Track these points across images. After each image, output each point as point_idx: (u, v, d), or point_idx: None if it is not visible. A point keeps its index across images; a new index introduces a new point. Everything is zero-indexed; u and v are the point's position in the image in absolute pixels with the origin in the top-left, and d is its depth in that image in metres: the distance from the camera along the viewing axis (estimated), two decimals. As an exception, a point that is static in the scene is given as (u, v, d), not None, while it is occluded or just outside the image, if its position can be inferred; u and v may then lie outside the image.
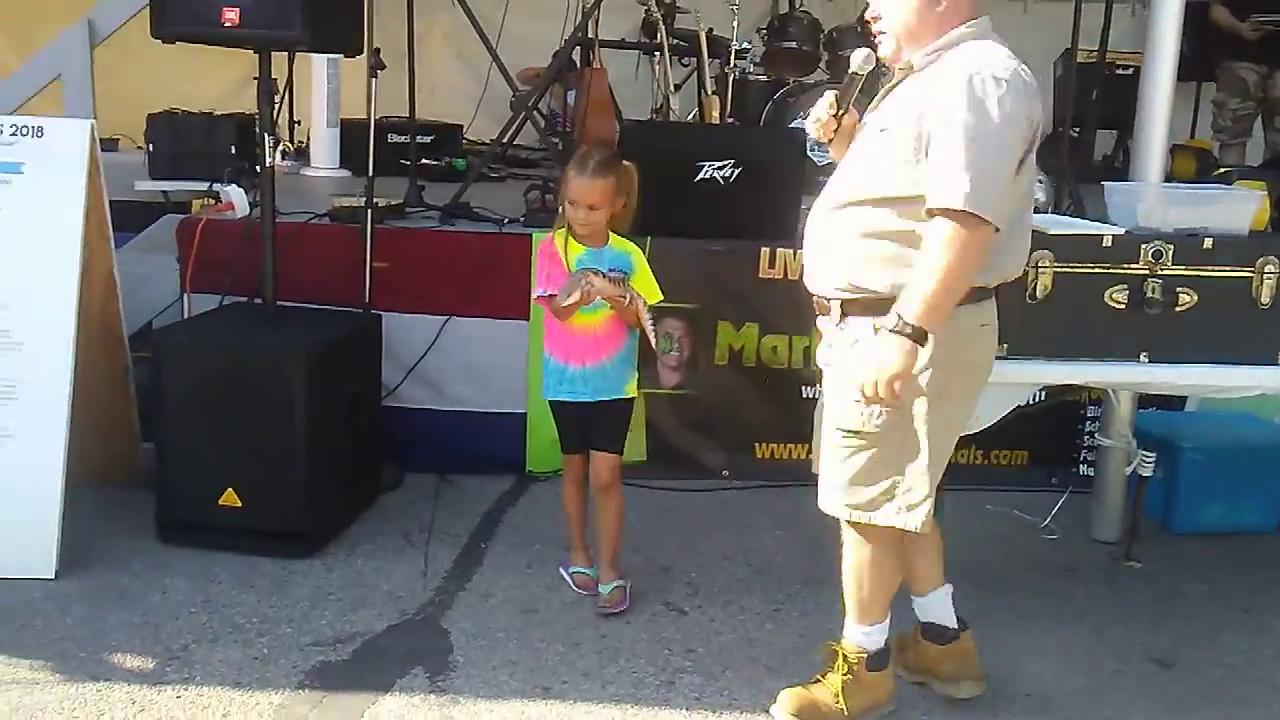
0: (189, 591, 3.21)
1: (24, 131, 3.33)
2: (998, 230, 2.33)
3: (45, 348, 3.25)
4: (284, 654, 2.91)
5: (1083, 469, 4.34)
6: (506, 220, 4.33)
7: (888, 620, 2.73)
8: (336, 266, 4.10)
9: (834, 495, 2.60)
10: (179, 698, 2.70)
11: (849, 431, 2.52)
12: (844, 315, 2.53)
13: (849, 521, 2.62)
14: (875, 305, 2.45)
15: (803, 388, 4.31)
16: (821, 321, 2.65)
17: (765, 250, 4.20)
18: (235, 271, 3.98)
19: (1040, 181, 4.71)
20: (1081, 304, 3.03)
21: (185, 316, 4.02)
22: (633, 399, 3.26)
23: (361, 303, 4.03)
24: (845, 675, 2.69)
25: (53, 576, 3.19)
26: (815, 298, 2.64)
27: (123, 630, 2.98)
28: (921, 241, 2.36)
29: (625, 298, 3.07)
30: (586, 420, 3.21)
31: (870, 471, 2.54)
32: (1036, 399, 4.24)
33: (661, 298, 3.21)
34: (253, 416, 3.43)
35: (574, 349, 3.15)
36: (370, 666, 2.90)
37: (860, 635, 2.70)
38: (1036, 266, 2.99)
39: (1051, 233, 3.05)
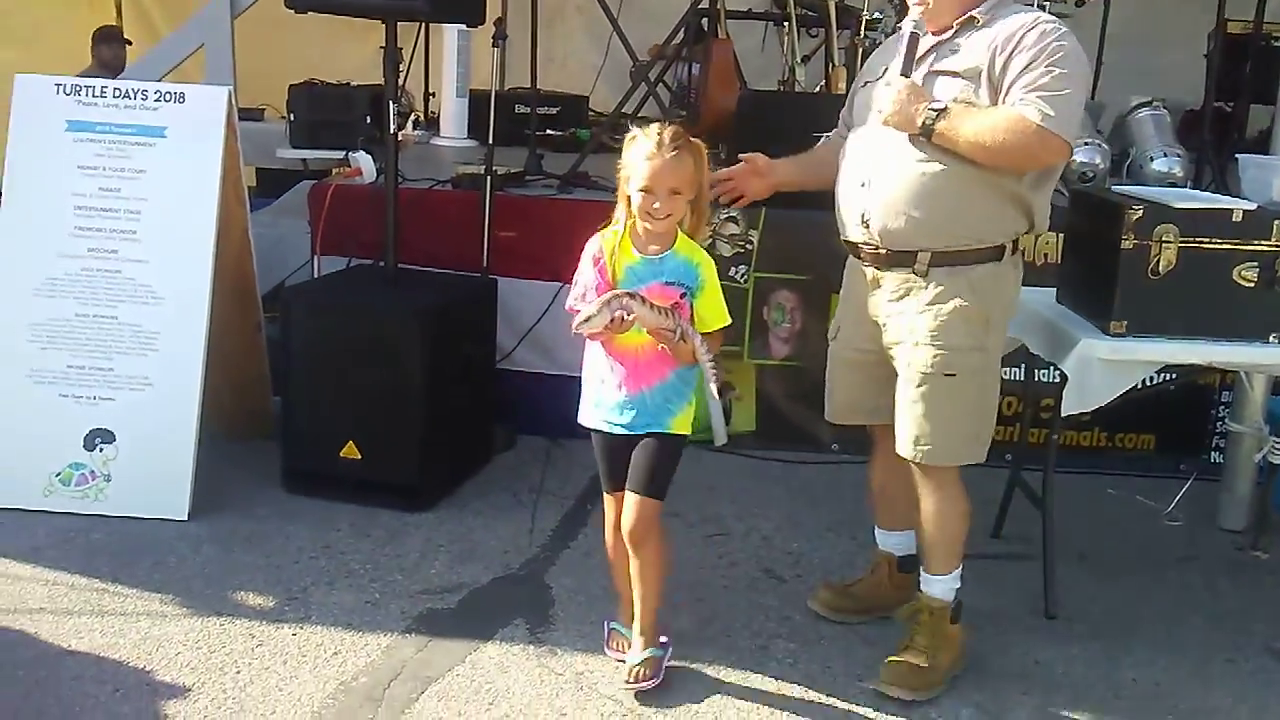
0: (309, 538, 3.37)
1: (167, 97, 3.53)
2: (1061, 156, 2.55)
3: (184, 303, 3.45)
4: (394, 600, 3.04)
5: (1213, 455, 4.17)
6: (623, 188, 4.37)
7: None
8: (456, 232, 4.22)
9: (938, 443, 2.66)
10: (294, 635, 2.85)
11: (948, 375, 2.61)
12: (930, 268, 2.60)
13: (934, 468, 2.69)
14: (971, 255, 2.59)
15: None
16: (878, 273, 2.68)
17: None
18: (361, 235, 4.13)
19: (1179, 156, 4.52)
20: (1208, 281, 2.91)
21: (315, 277, 4.20)
22: (680, 437, 2.67)
23: (479, 268, 4.13)
24: (935, 632, 2.75)
25: (185, 518, 3.40)
26: (881, 251, 2.65)
27: (247, 571, 3.16)
28: (1015, 185, 2.55)
29: (675, 331, 2.51)
30: (624, 454, 2.67)
31: (968, 414, 2.67)
32: (1159, 379, 4.09)
33: (728, 321, 2.65)
34: (373, 374, 3.57)
35: (612, 369, 2.64)
36: (474, 616, 3.00)
37: (946, 586, 2.77)
38: (1160, 240, 2.88)
39: (1177, 206, 2.93)
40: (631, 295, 2.48)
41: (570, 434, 4.26)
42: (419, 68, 6.37)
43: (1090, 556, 3.52)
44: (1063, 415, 3.05)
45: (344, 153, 4.85)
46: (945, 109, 2.50)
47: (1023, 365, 3.74)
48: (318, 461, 3.64)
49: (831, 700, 2.71)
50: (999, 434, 4.21)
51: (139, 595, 3.00)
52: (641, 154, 2.51)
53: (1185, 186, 4.38)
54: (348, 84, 5.55)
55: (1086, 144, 4.45)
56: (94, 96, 3.53)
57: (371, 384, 3.58)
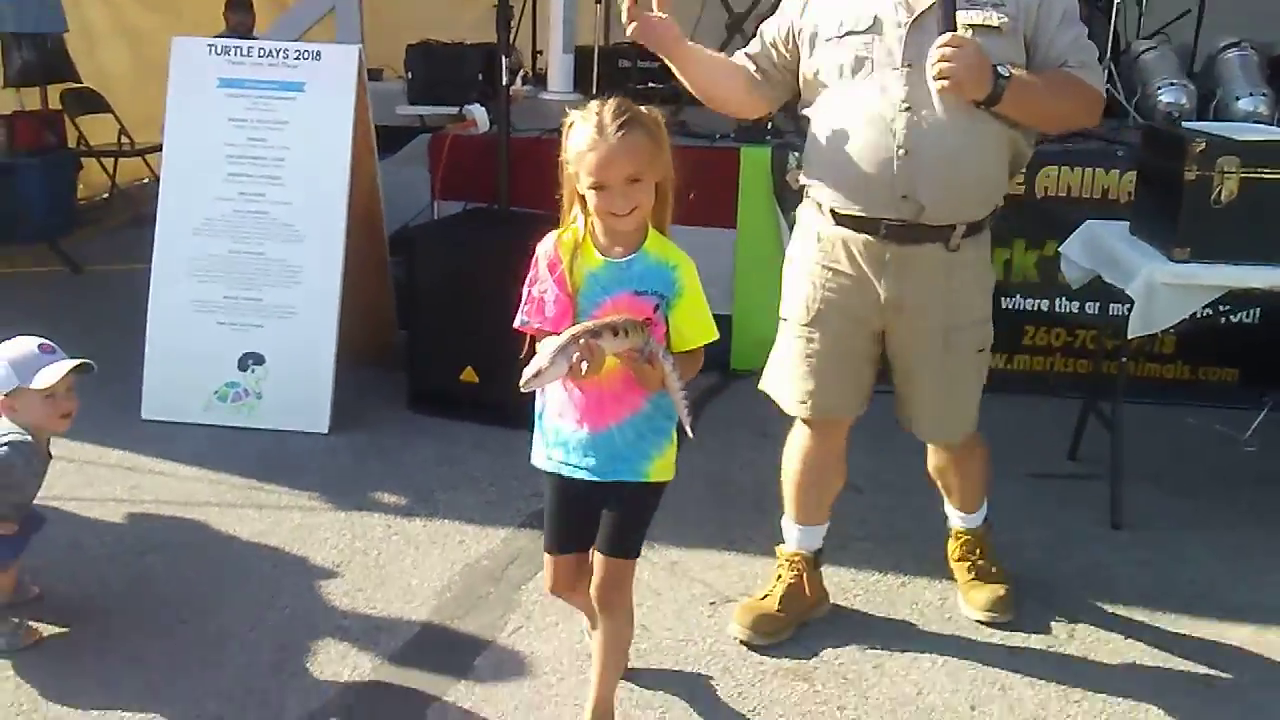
0: (433, 450, 3.77)
1: (305, 55, 3.92)
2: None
3: (322, 240, 3.85)
4: (510, 501, 3.41)
5: (1296, 387, 4.27)
6: (718, 135, 4.63)
7: None
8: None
9: (968, 417, 2.71)
10: (424, 527, 3.24)
11: (980, 351, 2.61)
12: (961, 239, 2.47)
13: (965, 440, 2.75)
14: (985, 222, 2.54)
15: (1001, 298, 4.45)
16: (898, 250, 2.47)
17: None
18: (476, 181, 4.49)
19: (1264, 95, 4.59)
20: (1269, 209, 3.06)
21: (435, 220, 4.58)
22: (659, 485, 2.20)
23: (584, 209, 4.45)
24: (994, 553, 2.95)
25: (325, 432, 3.83)
26: (917, 226, 2.43)
27: (380, 477, 3.56)
28: (1025, 144, 2.50)
29: (642, 351, 2.00)
30: (587, 505, 2.20)
31: (981, 383, 2.68)
32: (1242, 316, 4.22)
33: (713, 336, 2.13)
34: (488, 305, 3.90)
35: (573, 402, 2.13)
36: (580, 517, 3.35)
37: (983, 514, 2.96)
38: (1222, 171, 3.04)
39: (1239, 139, 3.08)
40: (595, 332, 1.94)
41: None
42: (527, 26, 6.71)
43: (1163, 477, 3.69)
44: (1128, 337, 3.23)
45: (459, 107, 5.22)
46: (1011, 75, 2.32)
47: (1099, 300, 3.92)
48: (440, 384, 4.03)
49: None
50: (1076, 366, 4.44)
51: (289, 493, 3.42)
52: (582, 142, 1.97)
53: (1272, 125, 4.45)
54: (461, 43, 5.91)
55: (1173, 84, 4.55)
56: (242, 56, 3.94)
57: (487, 314, 3.91)
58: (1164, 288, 3.10)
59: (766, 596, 2.82)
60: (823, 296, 2.57)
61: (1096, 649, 2.76)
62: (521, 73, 6.72)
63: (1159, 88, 4.67)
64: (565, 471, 2.18)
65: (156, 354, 3.86)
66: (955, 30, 2.30)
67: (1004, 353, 4.49)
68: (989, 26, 2.36)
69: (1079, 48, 2.42)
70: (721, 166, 4.47)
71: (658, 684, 2.57)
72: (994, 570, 2.92)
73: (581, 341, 1.92)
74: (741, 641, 2.73)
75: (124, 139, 6.85)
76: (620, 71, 5.84)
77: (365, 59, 4.01)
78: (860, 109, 2.43)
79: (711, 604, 2.91)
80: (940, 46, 2.30)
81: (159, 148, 4.06)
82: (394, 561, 3.05)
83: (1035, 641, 2.78)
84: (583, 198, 2.04)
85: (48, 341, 2.62)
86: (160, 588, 2.89)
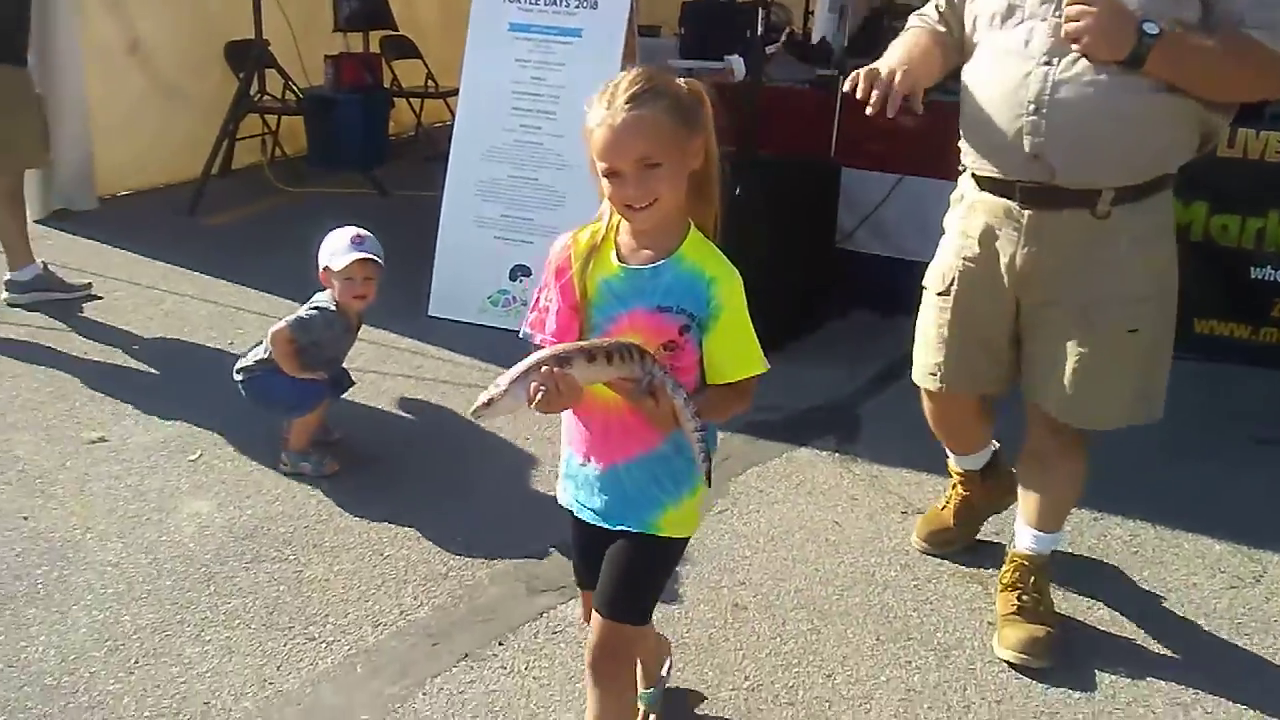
0: (669, 364, 4.18)
1: (583, 4, 4.39)
2: None
3: (585, 169, 4.32)
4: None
5: None
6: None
7: None
8: (811, 124, 4.82)
9: (1106, 406, 2.42)
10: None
11: (1131, 331, 2.35)
12: (1111, 206, 2.28)
13: (1089, 432, 2.50)
14: (1151, 187, 2.31)
15: (1251, 268, 4.38)
16: (1039, 215, 2.31)
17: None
18: (727, 126, 4.83)
19: None
20: None
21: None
22: (668, 541, 1.86)
23: (827, 157, 4.72)
24: (1043, 585, 2.66)
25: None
26: (1054, 189, 2.28)
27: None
28: (1205, 109, 2.25)
29: (639, 382, 1.66)
30: (600, 550, 1.90)
31: (1143, 371, 2.41)
32: None
33: (760, 368, 1.77)
34: (725, 238, 4.28)
35: (594, 435, 1.84)
36: (794, 428, 3.67)
37: (1056, 540, 2.69)
38: None
39: None
40: (563, 358, 1.62)
41: (898, 309, 4.84)
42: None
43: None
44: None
45: (723, 60, 5.58)
46: (1161, 33, 2.11)
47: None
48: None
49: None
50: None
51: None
52: (593, 118, 1.69)
53: None
54: (733, 1, 6.25)
55: None
56: (530, 3, 4.46)
57: (723, 246, 4.29)
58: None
59: (945, 508, 2.99)
60: (960, 265, 2.46)
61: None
62: (788, 30, 6.98)
63: None
64: (575, 509, 1.91)
65: (443, 263, 4.48)
66: None
67: (1249, 324, 4.42)
68: None
69: (1262, 4, 2.13)
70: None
71: (842, 572, 2.88)
72: (1041, 609, 2.61)
73: (544, 370, 1.60)
74: (921, 551, 2.97)
75: (430, 82, 7.66)
76: (892, 30, 5.99)
77: (637, 10, 4.43)
78: (1001, 61, 2.30)
79: (903, 514, 3.17)
80: (1069, 5, 2.16)
81: (459, 91, 4.65)
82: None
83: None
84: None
85: (361, 234, 3.20)
86: (432, 442, 3.49)
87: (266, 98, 6.50)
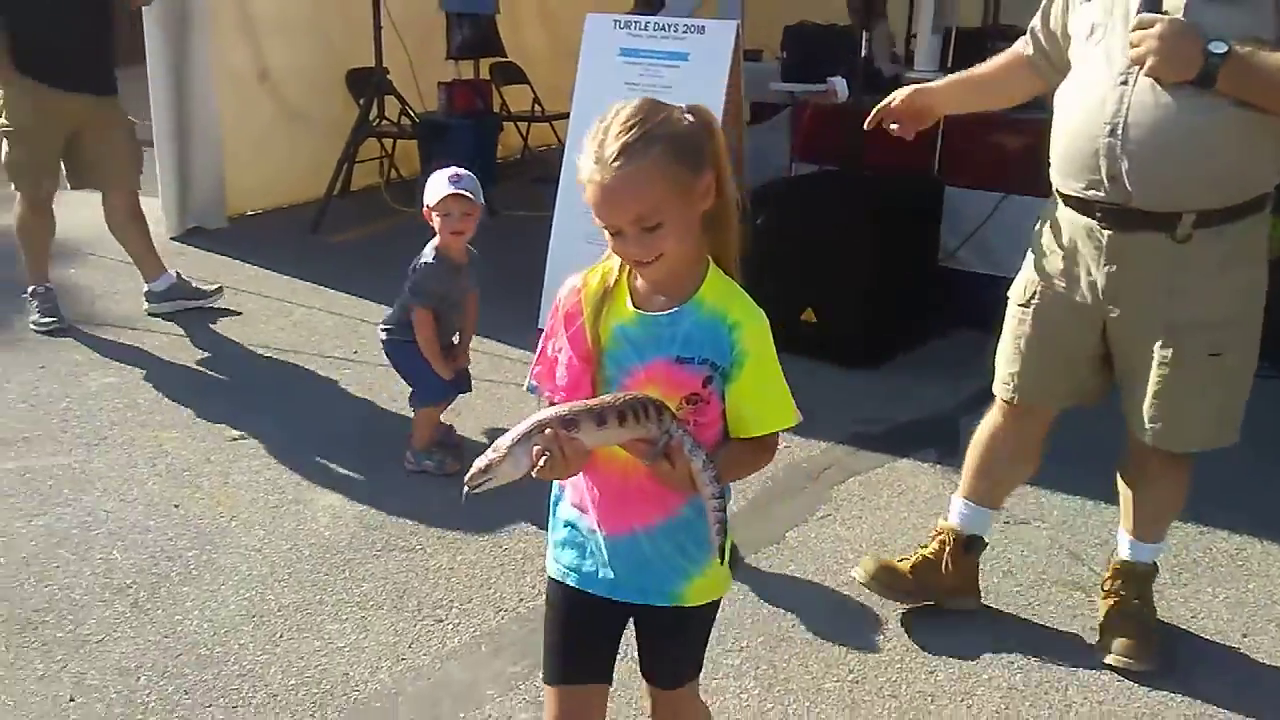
0: (771, 376, 4.28)
1: (690, 29, 4.55)
2: None
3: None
4: (834, 421, 3.85)
5: None
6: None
7: None
8: (913, 144, 4.88)
9: (1193, 428, 2.41)
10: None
11: (1213, 355, 2.32)
12: (1193, 229, 2.23)
13: (1182, 454, 2.48)
14: (1238, 211, 2.24)
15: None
16: (1120, 237, 2.28)
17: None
18: (831, 146, 4.95)
19: None
20: None
21: (790, 177, 5.09)
22: (700, 608, 1.71)
23: (929, 174, 4.80)
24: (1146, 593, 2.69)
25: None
26: (1132, 212, 2.24)
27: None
28: None
29: (655, 444, 1.52)
30: (602, 626, 1.74)
31: (1228, 394, 2.38)
32: None
33: (791, 422, 1.66)
34: (830, 254, 4.40)
35: (604, 496, 1.66)
36: (896, 440, 3.75)
37: (1159, 549, 2.69)
38: None
39: None
40: (569, 419, 1.48)
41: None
42: (904, 8, 7.05)
43: None
44: None
45: (825, 81, 5.69)
46: (1229, 52, 2.06)
47: None
48: (780, 321, 4.50)
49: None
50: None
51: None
52: (584, 173, 1.51)
53: None
54: (833, 25, 6.36)
55: None
56: (639, 29, 4.64)
57: (828, 262, 4.41)
58: None
59: (904, 560, 2.79)
60: (1041, 279, 2.47)
61: None
62: (891, 51, 7.06)
63: None
64: (572, 581, 1.70)
65: (553, 277, 4.66)
66: (1159, 7, 2.12)
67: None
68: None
69: None
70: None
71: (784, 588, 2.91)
72: (1144, 615, 2.65)
73: (547, 432, 1.46)
74: (860, 582, 2.75)
75: (536, 106, 7.91)
76: (992, 52, 6.04)
77: (743, 36, 4.58)
78: (1085, 80, 2.29)
79: (1005, 523, 3.19)
80: (1132, 29, 2.14)
81: (565, 115, 4.85)
82: (728, 453, 3.61)
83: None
84: None
85: (459, 173, 3.30)
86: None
87: (384, 122, 6.81)
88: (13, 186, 4.44)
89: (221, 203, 6.14)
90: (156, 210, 5.63)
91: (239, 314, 4.79)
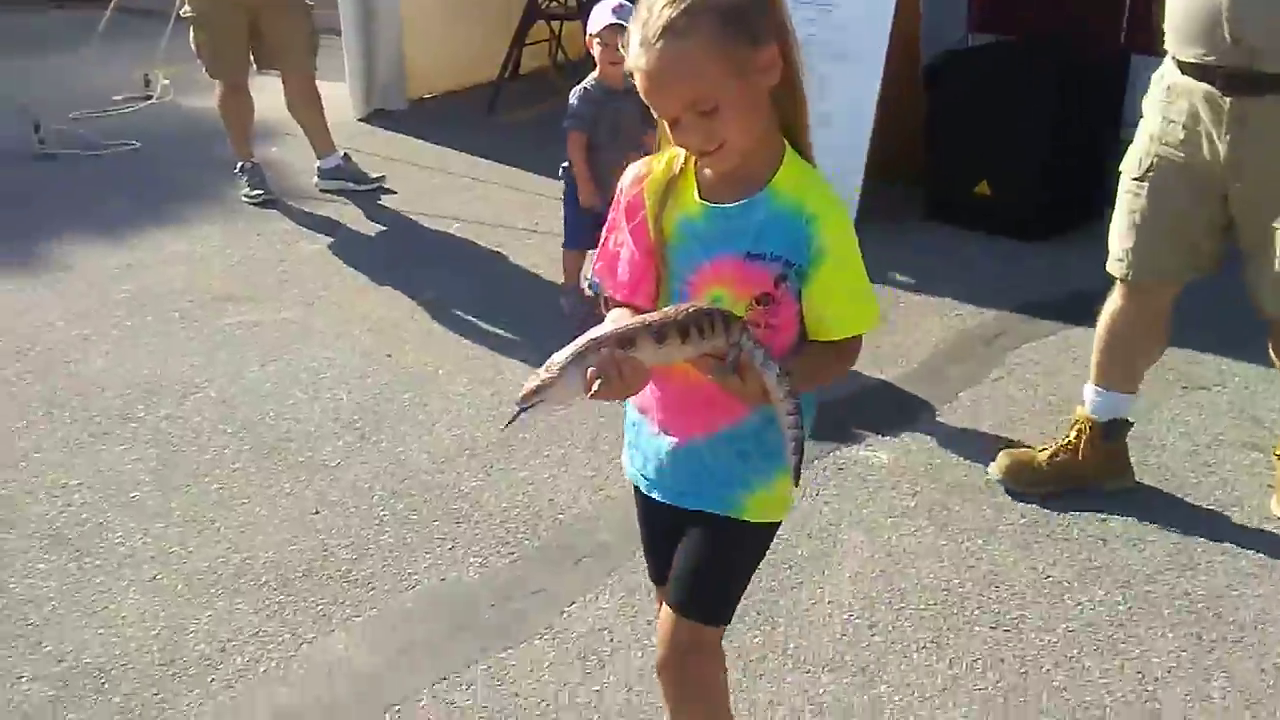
0: (940, 247, 4.32)
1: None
2: None
3: (864, 60, 4.48)
4: (1009, 293, 3.86)
5: None
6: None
7: None
8: (1098, 8, 4.76)
9: None
10: (927, 300, 3.86)
11: None
12: None
13: None
14: None
15: None
16: (1242, 103, 2.21)
17: None
18: (1010, 15, 4.85)
19: None
20: None
21: (967, 48, 5.01)
22: (756, 528, 1.60)
23: (1116, 43, 4.66)
24: None
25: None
26: (1255, 74, 2.17)
27: (890, 261, 4.19)
28: None
29: (727, 355, 1.39)
30: (674, 534, 1.64)
31: None
32: None
33: (872, 325, 1.51)
34: (1004, 127, 4.35)
35: (668, 401, 1.57)
36: (1069, 309, 3.68)
37: None
38: None
39: None
40: (626, 337, 1.36)
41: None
42: None
43: None
44: None
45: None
46: None
47: None
48: (954, 196, 4.55)
49: None
50: None
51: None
52: (631, 60, 1.40)
53: None
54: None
55: None
56: (816, -101, 4.60)
57: (1003, 135, 4.36)
58: None
59: (1042, 449, 2.77)
60: (1157, 151, 2.40)
61: None
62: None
63: None
64: (641, 485, 1.65)
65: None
66: None
67: None
68: None
69: None
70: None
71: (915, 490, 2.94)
72: None
73: (603, 351, 1.35)
74: (995, 479, 2.78)
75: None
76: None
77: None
78: None
79: (1183, 389, 3.23)
80: None
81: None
82: (899, 319, 3.70)
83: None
84: None
85: (623, 3, 3.34)
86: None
87: (553, 4, 6.92)
88: (205, 70, 4.76)
89: (403, 86, 6.40)
90: (343, 93, 5.93)
91: (424, 188, 5.06)
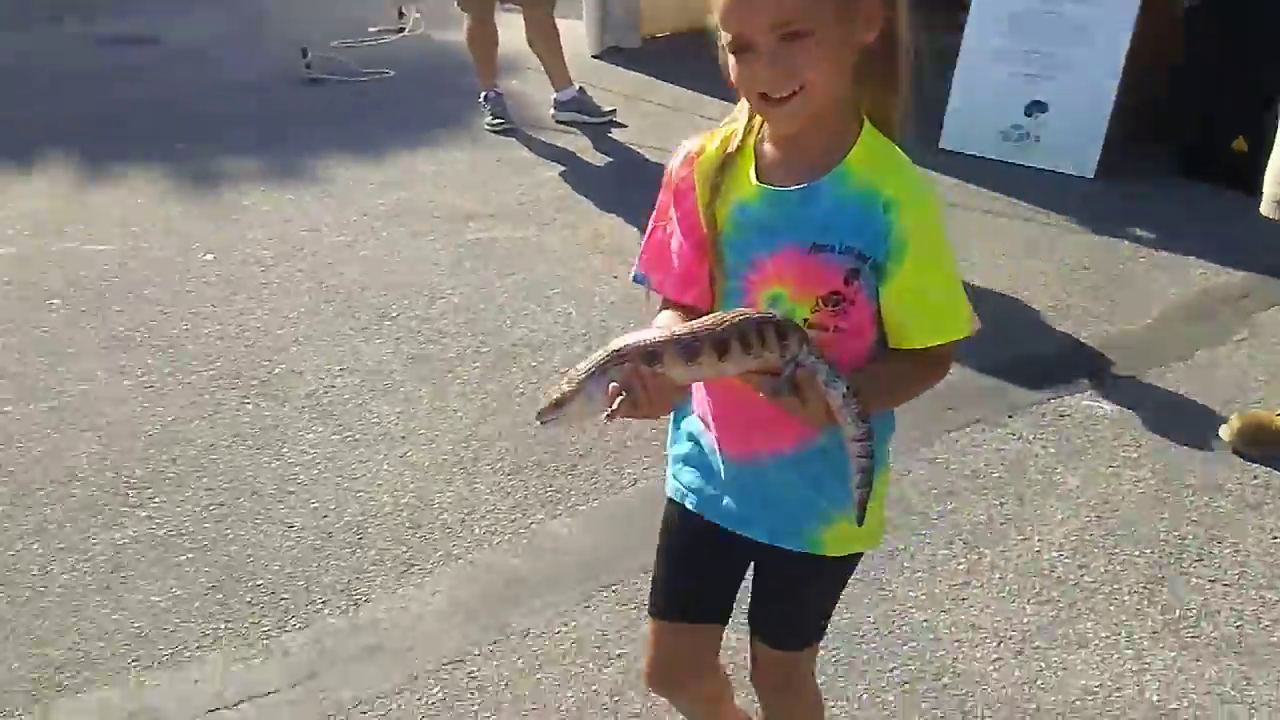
0: (1188, 207, 4.13)
1: None
2: None
3: (1117, 4, 4.29)
4: (1259, 255, 3.67)
5: None
6: None
7: None
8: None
9: None
10: (1166, 256, 3.72)
11: None
12: None
13: None
14: None
15: None
16: None
17: None
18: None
19: None
20: None
21: None
22: (837, 562, 1.42)
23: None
24: None
25: (1091, 176, 4.38)
26: None
27: (1131, 216, 4.03)
28: None
29: (783, 372, 1.19)
30: (719, 559, 1.48)
31: None
32: None
33: (964, 333, 1.28)
34: (1267, 78, 4.09)
35: (723, 412, 1.38)
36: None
37: None
38: None
39: None
40: (652, 351, 1.18)
41: None
42: None
43: None
44: None
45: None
46: None
47: None
48: (1209, 151, 4.33)
49: None
50: None
51: (1056, 217, 4.08)
52: None
53: None
54: None
55: None
56: None
57: (1264, 87, 4.10)
58: None
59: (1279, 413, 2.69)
60: None
61: None
62: None
63: None
64: (690, 504, 1.45)
65: (959, 97, 4.68)
66: None
67: None
68: None
69: None
70: None
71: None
72: None
73: (626, 366, 1.17)
74: (1225, 440, 2.70)
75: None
76: None
77: None
78: None
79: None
80: None
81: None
82: (1136, 274, 3.59)
83: None
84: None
85: None
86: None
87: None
88: (455, 4, 5.02)
89: (636, 24, 6.55)
90: (580, 31, 6.12)
91: (652, 122, 5.20)
